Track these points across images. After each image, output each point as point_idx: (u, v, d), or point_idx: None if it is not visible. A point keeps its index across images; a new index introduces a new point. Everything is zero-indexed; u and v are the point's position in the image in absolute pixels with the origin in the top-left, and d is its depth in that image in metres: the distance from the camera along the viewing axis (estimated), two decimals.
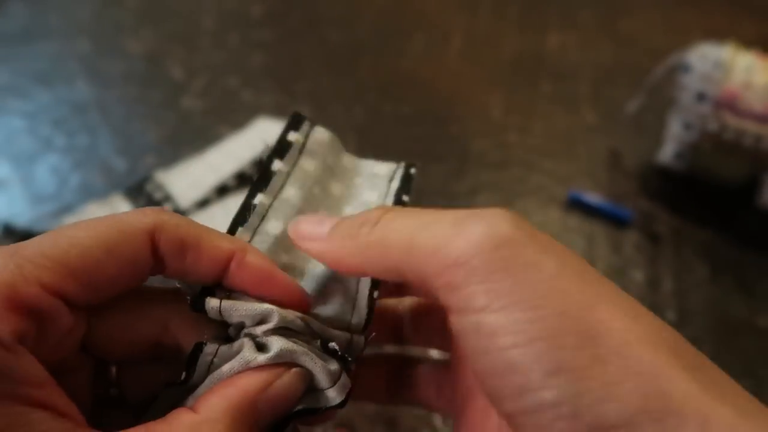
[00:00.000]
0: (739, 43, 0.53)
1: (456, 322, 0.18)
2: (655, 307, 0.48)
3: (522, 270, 0.17)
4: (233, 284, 0.21)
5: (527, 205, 0.56)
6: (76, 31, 0.71)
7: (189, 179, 0.52)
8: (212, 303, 0.20)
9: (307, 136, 0.25)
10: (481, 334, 0.17)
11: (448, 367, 0.25)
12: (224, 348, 0.20)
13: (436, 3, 0.80)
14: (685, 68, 0.53)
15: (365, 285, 0.22)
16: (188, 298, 0.21)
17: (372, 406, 0.40)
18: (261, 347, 0.20)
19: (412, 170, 0.26)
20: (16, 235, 0.47)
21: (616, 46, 0.74)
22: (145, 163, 0.56)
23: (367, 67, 0.69)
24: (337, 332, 0.21)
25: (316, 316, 0.21)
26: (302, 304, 0.21)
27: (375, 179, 0.26)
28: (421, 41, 0.73)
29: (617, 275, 0.50)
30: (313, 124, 0.26)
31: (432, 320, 0.26)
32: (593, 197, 0.55)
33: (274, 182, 0.23)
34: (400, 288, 0.27)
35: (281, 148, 0.24)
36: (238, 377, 0.19)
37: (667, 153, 0.57)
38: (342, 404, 0.20)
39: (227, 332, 0.21)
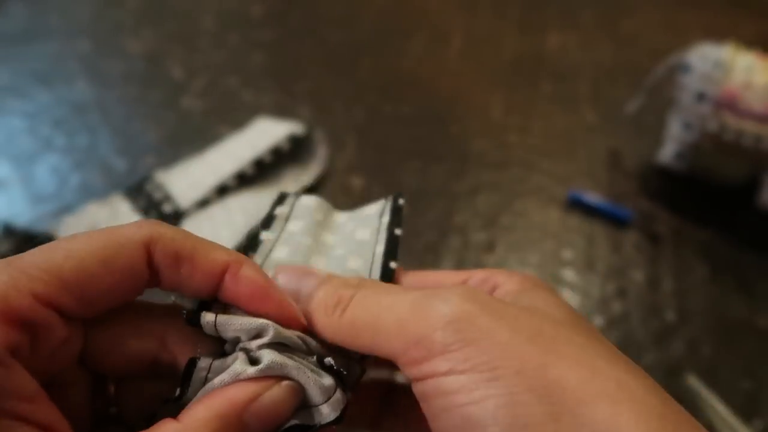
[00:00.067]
0: (739, 43, 0.53)
1: (418, 387, 0.19)
2: (655, 307, 0.48)
3: (477, 338, 0.18)
4: (227, 297, 0.21)
5: (527, 205, 0.56)
6: (76, 31, 0.71)
7: (189, 179, 0.52)
8: (208, 318, 0.20)
9: (292, 206, 0.26)
10: (441, 393, 0.18)
11: None
12: (218, 363, 0.20)
13: (436, 3, 0.80)
14: (685, 68, 0.53)
15: None
16: (183, 312, 0.20)
17: None
18: (254, 361, 0.20)
19: (401, 201, 0.26)
20: (16, 235, 0.47)
21: (616, 46, 0.74)
22: (145, 163, 0.56)
23: (367, 67, 0.69)
24: (334, 355, 0.21)
25: (315, 338, 0.21)
26: (296, 322, 0.21)
27: (366, 219, 0.26)
28: (421, 41, 0.73)
29: (617, 275, 0.50)
30: (298, 195, 0.26)
31: None
32: (593, 197, 0.55)
33: (263, 248, 0.24)
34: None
35: (267, 221, 0.25)
36: (225, 388, 0.19)
37: (667, 153, 0.57)
38: (337, 421, 0.20)
39: (223, 348, 0.21)
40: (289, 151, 0.55)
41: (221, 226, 0.48)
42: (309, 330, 0.21)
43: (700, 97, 0.52)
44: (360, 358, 0.22)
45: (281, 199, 0.26)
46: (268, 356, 0.19)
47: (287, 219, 0.25)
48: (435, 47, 0.73)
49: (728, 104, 0.51)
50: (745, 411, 0.42)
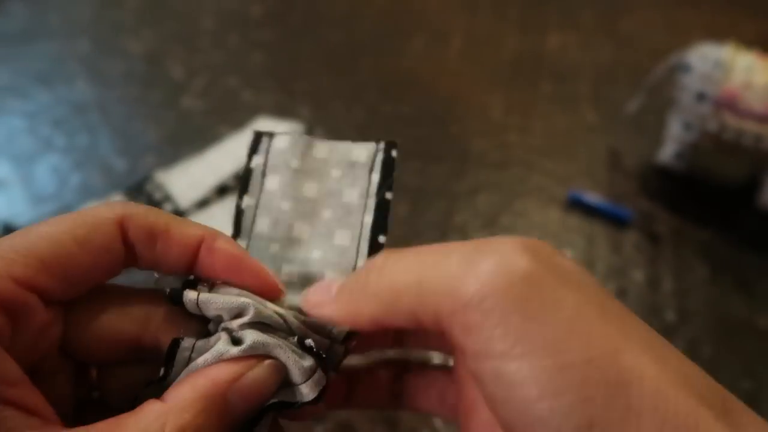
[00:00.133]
0: (739, 43, 0.53)
1: (474, 366, 0.17)
2: (655, 307, 0.48)
3: (540, 311, 0.16)
4: (203, 270, 0.21)
5: (527, 205, 0.56)
6: (76, 31, 0.71)
7: (189, 179, 0.52)
8: (190, 295, 0.20)
9: (267, 153, 0.24)
10: (502, 382, 0.16)
11: (450, 374, 0.25)
12: (201, 343, 0.20)
13: (436, 3, 0.80)
14: (685, 68, 0.53)
15: None
16: (167, 290, 0.21)
17: None
18: (237, 341, 0.20)
19: (394, 152, 0.24)
20: None
21: (616, 46, 0.74)
22: (145, 163, 0.56)
23: (367, 67, 0.69)
24: (315, 336, 0.21)
25: (298, 319, 0.21)
26: (273, 290, 0.21)
27: (354, 170, 0.24)
28: (421, 41, 0.73)
29: (617, 275, 0.50)
30: (272, 136, 0.25)
31: None
32: (593, 197, 0.55)
33: (246, 221, 0.23)
34: (399, 335, 0.26)
35: (246, 178, 0.24)
36: (209, 368, 0.19)
37: (667, 153, 0.57)
38: (316, 401, 0.20)
39: (207, 330, 0.21)
40: None
41: (221, 227, 0.48)
42: (290, 304, 0.21)
43: (700, 97, 0.52)
44: (344, 339, 0.21)
45: (256, 141, 0.25)
46: (250, 336, 0.19)
47: (264, 174, 0.24)
48: (435, 47, 0.73)
49: (728, 104, 0.51)
50: None
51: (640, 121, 0.61)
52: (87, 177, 0.55)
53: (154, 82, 0.65)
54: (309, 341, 0.20)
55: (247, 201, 0.23)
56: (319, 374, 0.20)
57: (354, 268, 0.23)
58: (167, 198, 0.51)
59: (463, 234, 0.53)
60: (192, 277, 0.21)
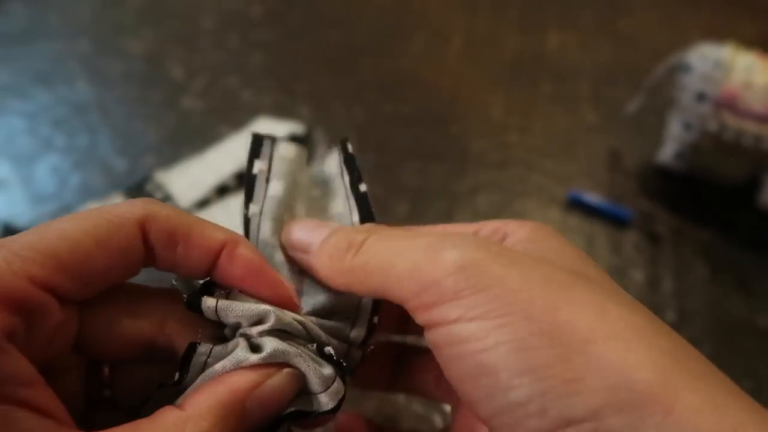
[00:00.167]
0: (739, 43, 0.53)
1: (430, 335, 0.19)
2: (655, 307, 0.48)
3: (487, 285, 0.18)
4: (222, 276, 0.21)
5: (527, 205, 0.56)
6: (76, 31, 0.71)
7: (189, 179, 0.52)
8: (209, 302, 0.20)
9: (271, 159, 0.24)
10: (453, 341, 0.18)
11: None
12: (218, 348, 0.20)
13: (436, 3, 0.80)
14: (685, 68, 0.53)
15: (368, 302, 0.22)
16: (184, 296, 0.20)
17: (372, 404, 0.40)
18: (255, 348, 0.20)
19: (349, 148, 0.25)
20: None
21: (616, 46, 0.74)
22: (145, 163, 0.56)
23: (367, 67, 0.69)
24: (334, 341, 0.21)
25: (316, 324, 0.21)
26: (290, 303, 0.21)
27: (330, 183, 0.25)
28: (421, 41, 0.73)
29: (617, 275, 0.50)
30: (275, 141, 0.24)
31: None
32: (593, 197, 0.55)
33: (253, 229, 0.23)
34: (401, 322, 0.27)
35: (250, 184, 0.23)
36: (228, 375, 0.19)
37: (667, 153, 0.57)
38: (334, 410, 0.20)
39: (223, 334, 0.21)
40: None
41: None
42: (303, 314, 0.21)
43: (700, 97, 0.52)
44: (362, 343, 0.22)
45: (257, 145, 0.24)
46: (270, 344, 0.19)
47: (268, 179, 0.24)
48: (435, 47, 0.73)
49: (728, 104, 0.51)
50: None
51: (640, 121, 0.61)
52: (87, 177, 0.55)
53: (154, 82, 0.65)
54: (329, 349, 0.20)
55: (252, 209, 0.23)
56: (338, 384, 0.20)
57: None
58: (167, 198, 0.51)
59: None
60: (208, 278, 0.21)
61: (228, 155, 0.54)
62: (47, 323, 0.18)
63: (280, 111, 0.61)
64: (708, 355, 0.17)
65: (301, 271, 0.23)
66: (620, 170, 0.59)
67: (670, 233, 0.54)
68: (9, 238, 0.18)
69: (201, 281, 0.21)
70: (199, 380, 0.19)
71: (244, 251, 0.21)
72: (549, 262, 0.20)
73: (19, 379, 0.17)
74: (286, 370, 0.19)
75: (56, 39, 0.70)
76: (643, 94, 0.57)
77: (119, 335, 0.20)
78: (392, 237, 0.21)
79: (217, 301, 0.20)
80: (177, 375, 0.19)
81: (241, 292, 0.21)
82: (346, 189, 0.24)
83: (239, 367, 0.19)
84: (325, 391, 0.20)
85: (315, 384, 0.20)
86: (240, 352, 0.19)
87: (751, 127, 0.50)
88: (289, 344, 0.20)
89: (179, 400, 0.19)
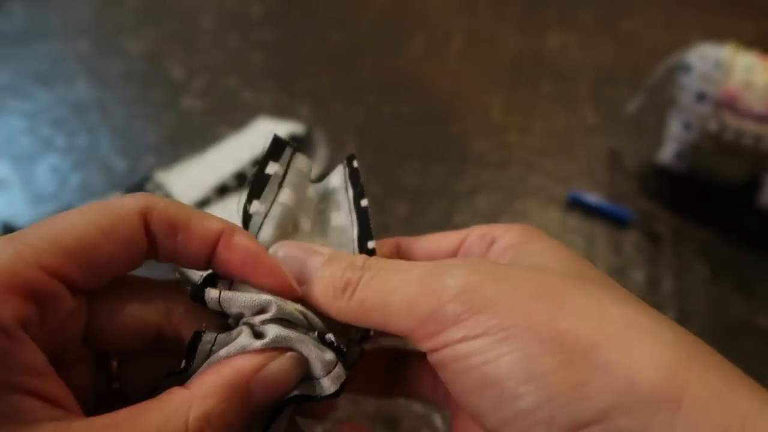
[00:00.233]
0: (739, 43, 0.53)
1: (435, 358, 0.19)
2: (655, 307, 0.48)
3: (486, 305, 0.18)
4: (221, 266, 0.21)
5: (527, 205, 0.56)
6: (76, 31, 0.71)
7: (189, 179, 0.52)
8: (212, 294, 0.20)
9: (287, 167, 0.24)
10: (458, 357, 0.18)
11: None
12: (222, 336, 0.20)
13: (436, 3, 0.80)
14: (685, 68, 0.53)
15: None
16: (188, 288, 0.21)
17: (372, 404, 0.40)
18: (258, 335, 0.20)
19: (355, 164, 0.25)
20: None
21: (616, 46, 0.74)
22: (145, 163, 0.56)
23: (367, 67, 0.69)
24: (335, 333, 0.21)
25: (316, 314, 0.21)
26: (288, 289, 0.21)
27: (335, 196, 0.25)
28: (421, 41, 0.73)
29: (617, 275, 0.50)
30: (293, 149, 0.24)
31: None
32: (593, 197, 0.55)
33: (253, 225, 0.23)
34: None
35: (261, 181, 0.23)
36: (233, 358, 0.19)
37: (667, 153, 0.57)
38: (336, 394, 0.20)
39: (227, 323, 0.21)
40: None
41: None
42: (305, 300, 0.22)
43: (700, 97, 0.52)
44: (359, 340, 0.22)
45: (277, 148, 0.24)
46: (272, 330, 0.20)
47: (281, 185, 0.24)
48: (435, 47, 0.73)
49: (728, 104, 0.51)
50: None
51: (640, 121, 0.61)
52: (87, 177, 0.55)
53: (154, 82, 0.65)
54: (329, 336, 0.21)
55: (256, 206, 0.23)
56: (339, 368, 0.21)
57: None
58: (167, 198, 0.51)
59: None
60: (211, 271, 0.21)
61: (228, 155, 0.54)
62: (59, 311, 0.19)
63: (280, 111, 0.61)
64: None
65: None
66: (620, 170, 0.59)
67: (670, 233, 0.54)
68: (19, 232, 0.19)
69: (204, 273, 0.21)
70: (204, 366, 0.20)
71: (241, 239, 0.21)
72: (541, 270, 0.20)
73: (31, 368, 0.17)
74: (289, 353, 0.20)
75: (56, 39, 0.70)
76: (643, 94, 0.57)
77: (127, 326, 0.21)
78: (386, 272, 0.21)
79: (220, 293, 0.20)
80: (183, 362, 0.20)
81: (241, 282, 0.21)
82: (349, 203, 0.25)
83: (243, 352, 0.20)
84: (327, 375, 0.20)
85: (317, 368, 0.20)
86: (244, 338, 0.20)
87: (751, 127, 0.50)
88: (291, 330, 0.20)
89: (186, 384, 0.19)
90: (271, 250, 0.22)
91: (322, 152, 0.57)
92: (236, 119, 0.59)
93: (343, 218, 0.24)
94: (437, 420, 0.40)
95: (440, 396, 0.26)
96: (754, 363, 0.45)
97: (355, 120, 0.62)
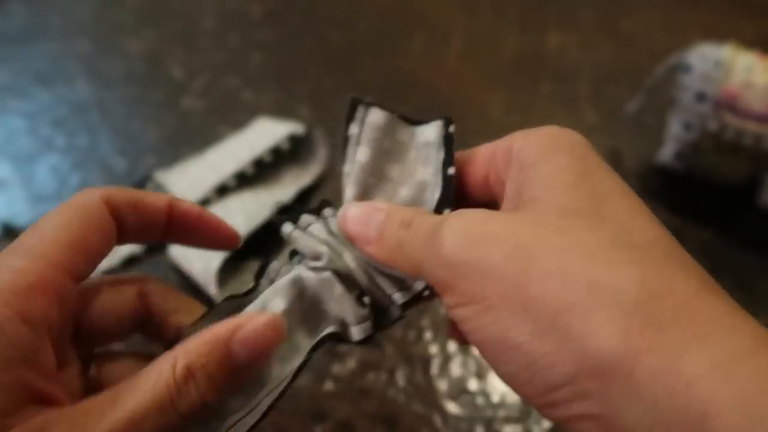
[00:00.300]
0: (739, 43, 0.53)
1: (455, 312, 0.21)
2: None
3: (466, 273, 0.20)
4: (177, 228, 0.25)
5: None
6: (76, 31, 0.71)
7: (189, 179, 0.52)
8: (288, 228, 0.24)
9: (362, 123, 0.26)
10: (459, 321, 0.20)
11: None
12: (286, 267, 0.24)
13: (436, 3, 0.80)
14: (685, 68, 0.53)
15: (420, 284, 0.24)
16: (274, 212, 0.25)
17: (372, 404, 0.40)
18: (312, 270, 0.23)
19: (451, 129, 0.26)
20: (16, 235, 0.47)
21: (616, 46, 0.74)
22: (145, 163, 0.56)
23: (367, 67, 0.69)
24: (378, 293, 0.24)
25: (367, 271, 0.24)
26: (232, 238, 0.26)
27: (427, 149, 0.26)
28: (421, 41, 0.73)
29: None
30: (368, 106, 0.26)
31: None
32: None
33: (344, 186, 0.25)
34: None
35: (344, 147, 0.26)
36: (216, 324, 0.21)
37: (667, 153, 0.57)
38: (360, 343, 0.23)
39: (208, 310, 0.24)
40: (289, 151, 0.55)
41: None
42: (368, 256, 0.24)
43: (700, 96, 0.52)
44: (403, 305, 0.24)
45: (353, 109, 0.26)
46: (325, 273, 0.23)
47: (357, 143, 0.26)
48: (435, 47, 0.73)
49: (728, 104, 0.51)
50: None
51: (640, 121, 0.61)
52: (87, 177, 0.55)
53: (154, 82, 0.65)
54: (367, 299, 0.23)
55: (347, 168, 0.25)
56: (368, 324, 0.23)
57: None
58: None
59: None
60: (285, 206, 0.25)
61: (228, 155, 0.54)
62: (70, 307, 0.21)
63: (280, 111, 0.61)
64: None
65: None
66: (620, 170, 0.59)
67: (670, 233, 0.54)
68: (25, 240, 0.21)
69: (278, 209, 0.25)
70: (268, 291, 0.23)
71: (186, 205, 0.25)
72: (522, 218, 0.20)
73: (45, 371, 0.19)
74: (265, 315, 0.21)
75: (56, 39, 0.70)
76: (643, 94, 0.57)
77: (105, 312, 0.24)
78: (415, 229, 0.22)
79: (293, 229, 0.24)
80: (252, 284, 0.24)
81: (193, 245, 0.26)
82: (438, 163, 0.25)
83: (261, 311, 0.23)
84: (357, 325, 0.23)
85: (350, 316, 0.23)
86: (300, 269, 0.24)
87: (751, 127, 0.50)
88: (332, 280, 0.23)
89: (243, 310, 0.23)
90: (340, 211, 0.24)
91: (322, 152, 0.57)
92: (236, 119, 0.59)
93: (429, 176, 0.25)
94: (437, 420, 0.40)
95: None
96: None
97: None
